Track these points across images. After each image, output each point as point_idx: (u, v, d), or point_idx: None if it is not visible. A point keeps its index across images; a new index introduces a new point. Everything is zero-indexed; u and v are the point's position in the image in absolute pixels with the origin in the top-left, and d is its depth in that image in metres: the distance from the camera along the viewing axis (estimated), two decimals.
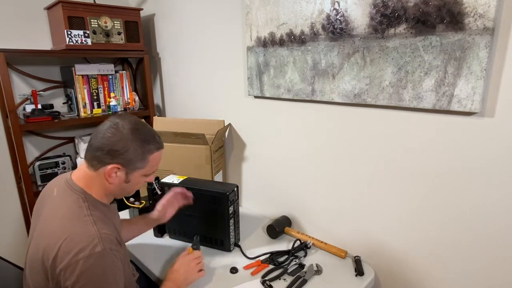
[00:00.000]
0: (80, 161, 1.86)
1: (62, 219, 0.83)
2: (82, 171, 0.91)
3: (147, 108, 2.04)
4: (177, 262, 1.04)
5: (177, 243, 1.33)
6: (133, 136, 0.87)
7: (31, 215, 1.69)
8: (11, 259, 1.07)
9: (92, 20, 1.69)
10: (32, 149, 1.88)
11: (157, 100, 2.17)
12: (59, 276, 0.77)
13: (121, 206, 1.56)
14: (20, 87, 1.79)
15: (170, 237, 1.36)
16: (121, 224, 1.12)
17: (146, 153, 0.89)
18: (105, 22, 1.73)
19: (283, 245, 1.31)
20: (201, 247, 1.28)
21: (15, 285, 1.02)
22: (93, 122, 1.90)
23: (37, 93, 1.77)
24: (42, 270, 0.80)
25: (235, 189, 1.24)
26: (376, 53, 1.01)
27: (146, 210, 1.46)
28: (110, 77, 1.90)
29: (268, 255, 1.22)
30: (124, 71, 1.97)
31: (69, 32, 1.61)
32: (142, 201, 1.50)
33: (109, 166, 0.86)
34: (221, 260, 1.21)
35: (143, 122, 0.93)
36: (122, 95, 1.97)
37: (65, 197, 0.87)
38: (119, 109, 1.92)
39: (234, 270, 1.14)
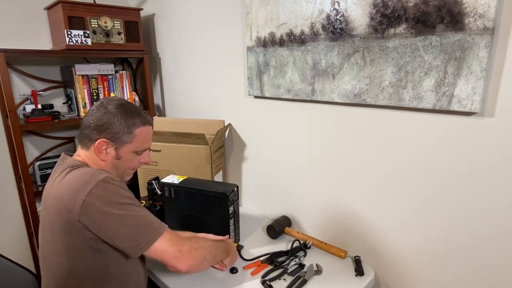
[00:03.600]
0: None
1: (63, 179, 0.86)
2: (78, 153, 0.96)
3: (147, 108, 2.04)
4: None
5: None
6: (117, 110, 0.91)
7: (31, 215, 1.69)
8: (12, 259, 1.07)
9: (92, 20, 1.69)
10: (32, 149, 1.88)
11: (157, 100, 2.17)
12: (80, 219, 0.80)
13: None
14: (20, 87, 1.79)
15: None
16: None
17: (131, 126, 0.92)
18: (105, 22, 1.73)
19: (283, 245, 1.31)
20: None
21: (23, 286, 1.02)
22: None
23: (37, 93, 1.77)
24: (66, 231, 0.82)
25: (235, 189, 1.24)
26: (376, 53, 1.01)
27: None
28: (110, 77, 1.90)
29: (268, 255, 1.22)
30: (124, 71, 1.97)
31: (69, 32, 1.61)
32: (142, 201, 1.50)
33: (97, 141, 0.90)
34: None
35: (129, 101, 0.97)
36: (122, 95, 1.97)
37: (62, 166, 0.91)
38: None
39: (234, 270, 1.14)
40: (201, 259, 0.92)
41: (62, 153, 0.97)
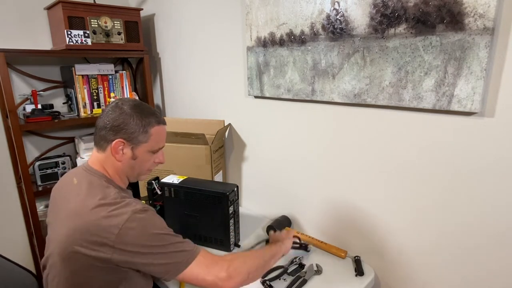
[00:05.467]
0: (80, 161, 1.86)
1: (88, 195, 0.86)
2: (94, 156, 0.96)
3: None
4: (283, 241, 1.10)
5: None
6: (132, 111, 0.92)
7: (31, 215, 1.69)
8: (12, 259, 1.07)
9: (92, 20, 1.69)
10: (32, 149, 1.88)
11: (157, 100, 2.17)
12: (115, 246, 0.79)
13: None
14: (20, 87, 1.79)
15: None
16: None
17: (146, 126, 0.93)
18: (105, 22, 1.73)
19: None
20: (202, 247, 1.28)
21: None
22: (93, 122, 1.87)
23: (37, 93, 1.77)
24: (89, 253, 0.80)
25: (235, 189, 1.24)
26: (376, 53, 1.01)
27: None
28: (110, 77, 1.90)
29: None
30: (124, 71, 1.97)
31: (69, 32, 1.61)
32: (142, 201, 1.50)
33: (114, 142, 0.90)
34: None
35: (143, 102, 0.98)
36: (122, 95, 1.97)
37: (87, 179, 0.91)
38: None
39: None
40: (243, 276, 0.89)
41: (81, 166, 0.97)
